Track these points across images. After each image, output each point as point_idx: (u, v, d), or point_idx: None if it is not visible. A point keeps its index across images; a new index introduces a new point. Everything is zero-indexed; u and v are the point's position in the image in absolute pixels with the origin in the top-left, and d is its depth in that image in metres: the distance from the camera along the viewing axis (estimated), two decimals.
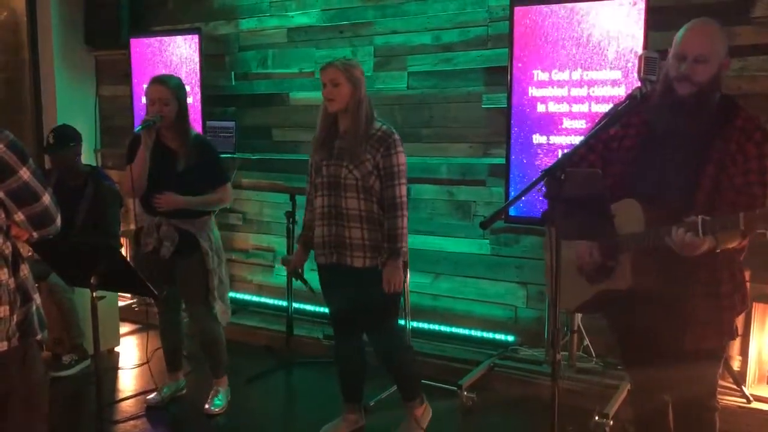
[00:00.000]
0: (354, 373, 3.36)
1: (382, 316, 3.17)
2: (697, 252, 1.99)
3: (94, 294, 2.60)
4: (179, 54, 5.06)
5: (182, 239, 3.49)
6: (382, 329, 3.21)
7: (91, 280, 2.54)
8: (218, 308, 3.60)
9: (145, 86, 5.16)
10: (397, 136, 3.08)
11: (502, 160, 3.99)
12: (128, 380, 4.16)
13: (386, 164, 3.03)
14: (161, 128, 3.44)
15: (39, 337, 2.06)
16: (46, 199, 2.00)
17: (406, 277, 3.16)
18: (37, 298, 2.07)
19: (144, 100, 5.14)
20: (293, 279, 3.35)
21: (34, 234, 2.01)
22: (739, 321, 2.38)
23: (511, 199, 2.91)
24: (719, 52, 2.13)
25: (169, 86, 3.42)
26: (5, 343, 1.94)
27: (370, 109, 3.09)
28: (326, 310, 4.76)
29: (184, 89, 3.55)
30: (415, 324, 4.28)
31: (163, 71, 5.04)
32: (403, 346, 3.34)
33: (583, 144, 2.22)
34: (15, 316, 1.96)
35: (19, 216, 1.95)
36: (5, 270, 1.94)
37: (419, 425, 3.32)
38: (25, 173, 1.92)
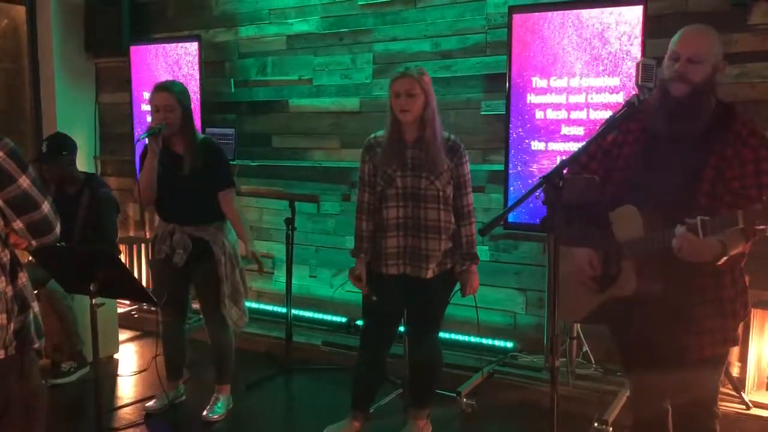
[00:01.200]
0: (373, 383, 3.36)
1: (433, 325, 3.22)
2: (701, 256, 1.99)
3: (94, 301, 2.60)
4: (179, 61, 5.07)
5: (195, 246, 3.50)
6: (428, 338, 3.23)
7: (91, 287, 2.54)
8: (233, 314, 3.60)
9: (145, 94, 5.21)
10: (463, 146, 3.12)
11: (501, 167, 4.00)
12: (127, 387, 4.15)
13: (458, 173, 3.08)
14: (168, 135, 3.45)
15: (36, 345, 2.05)
16: (46, 207, 1.99)
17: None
18: (35, 306, 2.07)
19: (144, 107, 5.23)
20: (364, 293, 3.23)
21: (33, 242, 2.01)
22: (739, 327, 2.38)
23: (509, 205, 2.91)
24: (713, 54, 2.14)
25: (172, 93, 3.43)
26: (2, 352, 1.93)
27: (440, 119, 3.10)
28: (325, 317, 4.83)
29: (188, 94, 3.55)
30: (409, 331, 4.26)
31: (165, 77, 5.06)
32: (440, 357, 3.34)
33: (582, 152, 2.23)
34: (12, 325, 1.95)
35: (18, 224, 1.95)
36: (3, 278, 1.94)
37: None
38: (24, 181, 1.92)
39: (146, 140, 3.41)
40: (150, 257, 3.80)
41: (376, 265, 3.16)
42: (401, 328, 3.40)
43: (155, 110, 3.44)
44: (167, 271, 3.56)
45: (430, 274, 3.08)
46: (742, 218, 1.87)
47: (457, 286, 3.21)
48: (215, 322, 3.62)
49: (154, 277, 3.74)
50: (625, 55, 3.55)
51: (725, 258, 2.03)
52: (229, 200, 3.55)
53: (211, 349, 3.72)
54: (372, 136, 3.20)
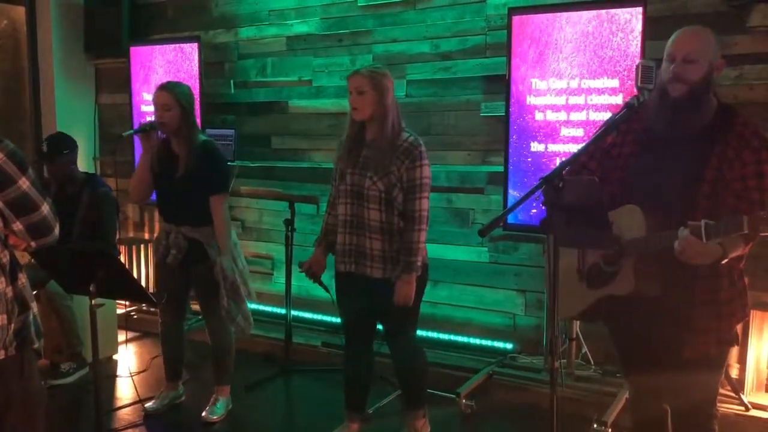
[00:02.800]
0: (361, 383, 3.34)
1: (401, 326, 3.18)
2: (703, 260, 2.00)
3: (93, 301, 2.60)
4: (179, 62, 5.08)
5: (191, 248, 3.50)
6: (401, 339, 3.20)
7: (90, 288, 2.54)
8: (240, 321, 3.60)
9: (145, 95, 5.22)
10: (423, 148, 3.03)
11: (501, 168, 4.01)
12: (126, 388, 4.15)
13: (410, 177, 3.00)
14: (169, 134, 3.45)
15: (36, 345, 2.06)
16: (45, 208, 1.99)
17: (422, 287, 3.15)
18: (34, 307, 2.07)
19: (144, 108, 5.23)
20: (314, 284, 3.30)
21: (32, 243, 2.01)
22: (738, 328, 2.38)
23: (509, 206, 2.91)
24: (708, 53, 2.15)
25: (171, 92, 3.43)
26: (2, 352, 1.93)
27: (398, 120, 3.05)
28: (325, 318, 4.83)
29: (190, 96, 3.53)
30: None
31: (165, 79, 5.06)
32: (421, 356, 3.31)
33: (582, 152, 2.23)
34: (12, 325, 1.96)
35: (18, 225, 1.95)
36: (3, 279, 1.94)
37: None
38: (24, 183, 1.92)
39: (137, 137, 3.42)
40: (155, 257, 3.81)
41: (336, 262, 3.20)
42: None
43: (155, 108, 3.45)
44: (168, 272, 3.57)
45: (377, 274, 3.04)
46: (747, 224, 1.87)
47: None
48: (214, 322, 3.63)
49: (157, 276, 3.75)
50: (624, 57, 3.55)
51: (724, 261, 2.04)
52: (217, 205, 3.49)
53: (211, 350, 3.72)
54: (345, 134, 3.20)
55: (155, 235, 5.66)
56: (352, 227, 3.08)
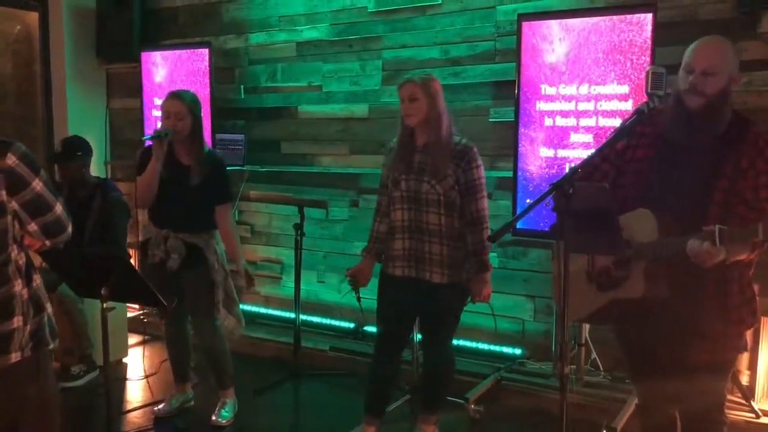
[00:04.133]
0: (386, 388, 3.35)
1: (446, 332, 3.21)
2: (712, 262, 2.00)
3: (105, 305, 2.62)
4: (189, 67, 5.11)
5: (189, 252, 3.52)
6: (441, 345, 3.23)
7: (102, 291, 2.56)
8: (229, 321, 3.62)
9: (156, 100, 5.25)
10: (476, 150, 3.10)
11: (510, 174, 4.01)
12: (136, 391, 4.17)
13: (468, 178, 3.06)
14: (174, 142, 3.48)
15: (51, 346, 2.08)
16: (58, 208, 2.02)
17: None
18: (48, 308, 2.09)
19: (155, 112, 5.26)
20: (352, 291, 3.30)
21: (47, 242, 2.03)
22: (749, 335, 2.38)
23: (519, 212, 2.92)
24: (728, 66, 2.15)
25: (184, 101, 3.45)
26: (19, 354, 1.95)
27: (450, 124, 3.11)
28: (333, 322, 4.84)
29: (200, 105, 3.57)
30: (421, 337, 4.27)
31: (175, 84, 5.10)
32: (453, 364, 3.32)
33: (592, 158, 2.24)
34: (28, 326, 1.98)
35: (33, 226, 1.97)
36: (19, 281, 1.97)
37: None
38: (37, 184, 1.95)
39: (151, 142, 3.44)
40: (139, 260, 3.82)
41: (386, 266, 3.21)
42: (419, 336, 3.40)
43: (165, 116, 3.46)
44: (159, 276, 3.49)
45: (437, 279, 3.07)
46: (763, 231, 1.87)
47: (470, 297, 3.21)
48: (205, 328, 3.63)
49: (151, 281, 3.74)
50: (634, 63, 3.55)
51: (727, 261, 2.03)
52: (225, 215, 3.57)
53: (205, 356, 3.72)
54: (393, 140, 3.24)
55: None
56: (411, 232, 3.10)
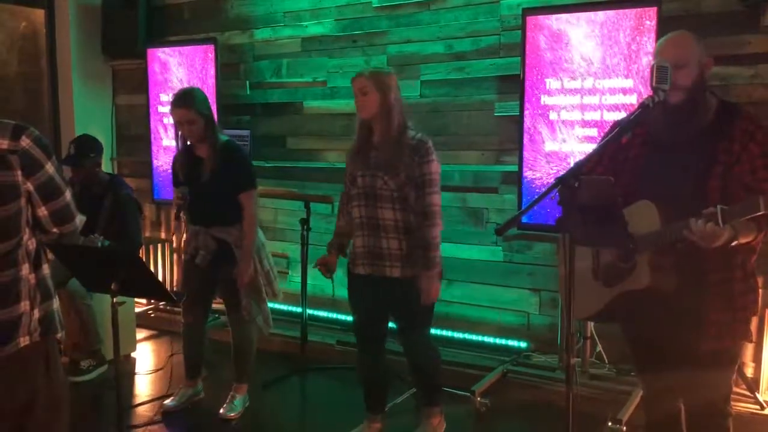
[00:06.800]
0: (378, 383, 3.37)
1: (418, 324, 3.20)
2: (716, 243, 2.01)
3: (115, 299, 2.64)
4: (195, 63, 5.13)
5: (219, 248, 3.55)
6: (417, 337, 3.22)
7: (112, 286, 2.58)
8: (259, 320, 3.68)
9: (162, 96, 5.27)
10: (431, 144, 3.07)
11: (515, 168, 4.03)
12: (144, 386, 4.21)
13: (420, 173, 3.02)
14: (194, 143, 3.56)
15: (59, 335, 2.09)
16: (68, 195, 2.05)
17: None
18: (55, 300, 2.11)
19: (161, 108, 5.29)
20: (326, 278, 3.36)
21: (55, 230, 2.05)
22: (753, 327, 2.39)
23: (525, 206, 2.94)
24: (695, 55, 2.19)
25: (191, 107, 3.46)
26: (27, 338, 1.96)
27: (403, 118, 3.08)
28: (340, 316, 4.87)
29: (206, 102, 3.57)
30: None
31: (182, 80, 5.12)
32: (435, 354, 3.33)
33: (596, 153, 2.25)
34: (36, 312, 1.99)
35: (43, 211, 1.99)
36: (26, 264, 1.98)
37: None
38: (50, 168, 1.98)
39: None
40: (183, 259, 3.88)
41: (351, 264, 3.22)
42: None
43: (178, 125, 3.51)
44: (193, 272, 3.63)
45: (396, 273, 3.06)
46: (764, 204, 1.88)
47: (442, 287, 3.20)
48: (236, 322, 3.69)
49: (186, 277, 3.79)
50: (639, 57, 3.56)
51: (735, 243, 2.04)
52: (248, 201, 3.56)
53: (232, 348, 3.77)
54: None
55: (171, 234, 5.73)
56: (368, 229, 3.10)
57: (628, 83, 3.61)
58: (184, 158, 3.61)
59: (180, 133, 3.57)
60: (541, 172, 3.88)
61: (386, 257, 3.07)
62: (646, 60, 3.51)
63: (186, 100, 3.49)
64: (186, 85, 4.62)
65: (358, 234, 3.14)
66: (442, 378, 3.41)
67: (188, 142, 3.61)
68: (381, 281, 3.10)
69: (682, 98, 2.18)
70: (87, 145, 4.23)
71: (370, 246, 3.10)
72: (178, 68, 5.22)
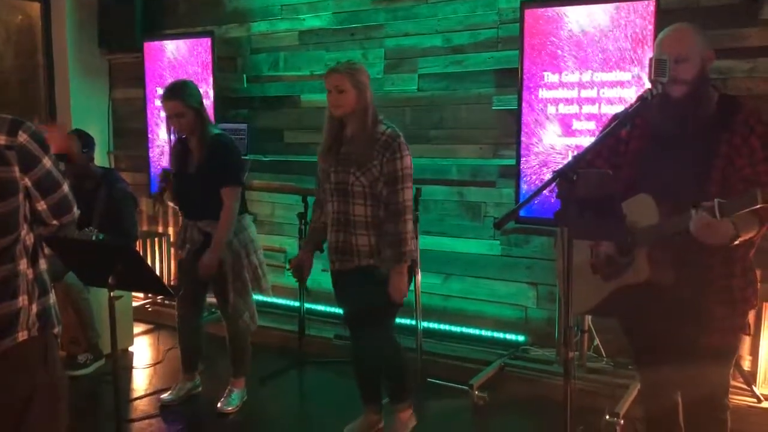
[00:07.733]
0: (370, 375, 3.36)
1: (380, 315, 3.14)
2: (716, 239, 2.01)
3: (112, 293, 2.64)
4: (191, 57, 5.11)
5: (206, 241, 3.54)
6: (376, 328, 3.17)
7: (109, 280, 2.58)
8: (246, 316, 3.67)
9: (158, 89, 5.25)
10: (402, 139, 3.03)
11: (513, 162, 4.02)
12: (142, 380, 4.21)
13: (390, 169, 2.98)
14: (186, 135, 3.55)
15: (56, 330, 2.09)
16: (65, 187, 2.05)
17: (416, 276, 3.14)
18: (52, 295, 2.11)
19: (158, 102, 5.27)
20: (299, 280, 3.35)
21: (54, 222, 2.05)
22: (751, 320, 2.39)
23: (524, 199, 2.93)
24: (697, 48, 2.19)
25: (180, 99, 3.45)
26: (25, 333, 1.96)
27: (375, 113, 3.06)
28: (338, 310, 4.83)
29: (197, 94, 3.56)
30: (425, 324, 4.30)
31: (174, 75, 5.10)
32: (394, 347, 3.27)
33: (593, 146, 2.25)
34: (34, 306, 1.99)
35: (42, 205, 1.99)
36: (24, 260, 1.97)
37: (404, 429, 3.32)
38: (47, 162, 1.97)
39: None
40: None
41: (329, 261, 3.19)
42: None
43: (169, 117, 3.51)
44: (185, 265, 3.65)
45: (365, 263, 3.04)
46: (761, 197, 1.87)
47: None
48: (227, 316, 3.68)
49: (182, 270, 3.80)
50: (637, 50, 3.55)
51: (739, 240, 2.04)
52: (228, 198, 3.50)
53: (228, 341, 3.77)
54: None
55: (169, 228, 5.73)
56: (340, 225, 3.08)
57: (627, 76, 3.60)
58: (178, 149, 3.62)
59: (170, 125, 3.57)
60: (538, 166, 3.87)
61: (356, 253, 3.05)
62: (645, 53, 3.50)
63: (175, 93, 3.47)
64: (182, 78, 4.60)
65: (331, 229, 3.12)
66: (406, 372, 3.36)
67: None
68: (351, 272, 3.08)
69: (684, 92, 2.18)
70: (80, 140, 4.23)
71: (340, 241, 3.08)
72: (175, 61, 5.20)
